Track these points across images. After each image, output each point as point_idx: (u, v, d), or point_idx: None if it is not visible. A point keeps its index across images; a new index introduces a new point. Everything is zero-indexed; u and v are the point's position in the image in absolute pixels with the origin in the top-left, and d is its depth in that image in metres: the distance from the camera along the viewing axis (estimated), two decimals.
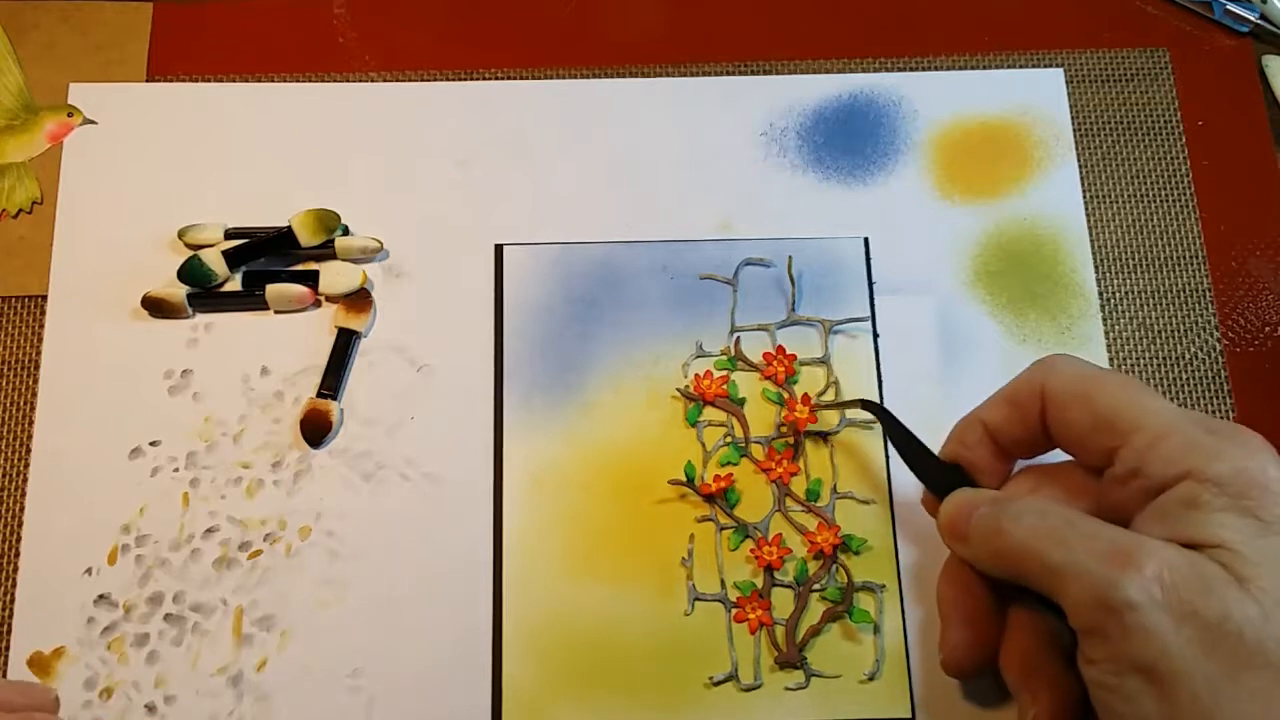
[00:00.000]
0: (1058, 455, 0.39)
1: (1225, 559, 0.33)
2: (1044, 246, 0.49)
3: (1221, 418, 0.47)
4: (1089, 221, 0.50)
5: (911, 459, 0.42)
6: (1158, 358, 0.48)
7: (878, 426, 0.46)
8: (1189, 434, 0.34)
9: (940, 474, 0.41)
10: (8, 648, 0.43)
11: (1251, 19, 0.52)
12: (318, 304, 0.47)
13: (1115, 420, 0.36)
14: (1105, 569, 0.33)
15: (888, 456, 0.45)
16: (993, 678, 0.40)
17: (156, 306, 0.47)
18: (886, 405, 0.46)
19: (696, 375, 0.46)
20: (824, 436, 0.46)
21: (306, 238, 0.47)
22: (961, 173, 0.50)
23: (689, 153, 0.50)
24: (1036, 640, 0.37)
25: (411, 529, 0.44)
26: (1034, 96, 0.51)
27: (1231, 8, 0.52)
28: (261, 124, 0.50)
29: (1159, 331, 0.48)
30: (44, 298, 0.47)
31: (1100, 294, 0.49)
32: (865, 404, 0.44)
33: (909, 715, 0.42)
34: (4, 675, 0.42)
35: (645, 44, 0.52)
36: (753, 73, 0.52)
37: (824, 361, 0.47)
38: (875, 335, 0.47)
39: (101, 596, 0.43)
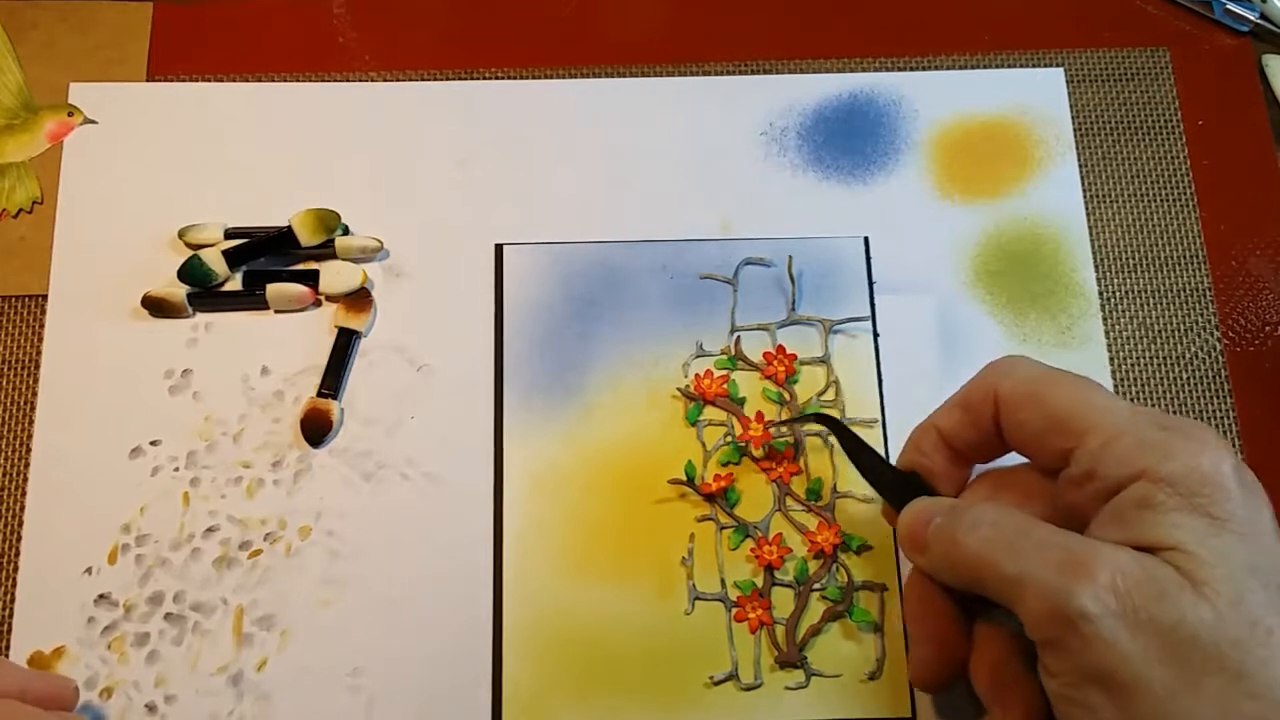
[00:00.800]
0: (1016, 458, 0.39)
1: (1179, 561, 0.32)
2: (1044, 246, 0.49)
3: (1222, 417, 0.47)
4: (1089, 221, 0.50)
5: (867, 470, 0.41)
6: (1158, 358, 0.48)
7: (878, 426, 0.46)
8: (1142, 433, 0.34)
9: (896, 483, 0.40)
10: (8, 647, 0.43)
11: (1251, 19, 0.52)
12: (318, 304, 0.47)
13: (1068, 421, 0.35)
14: (1059, 580, 0.33)
15: (887, 455, 0.45)
16: None
17: (156, 306, 0.47)
18: (886, 405, 0.46)
19: (697, 375, 0.46)
20: (824, 437, 0.46)
21: (306, 237, 0.47)
22: (961, 172, 0.50)
23: (689, 153, 0.50)
24: (1005, 651, 0.37)
25: (411, 529, 0.44)
26: (1034, 96, 0.51)
27: (1231, 8, 0.52)
28: (261, 124, 0.50)
29: (1159, 331, 0.48)
30: (44, 298, 0.47)
31: (1100, 294, 0.49)
32: (818, 418, 0.44)
33: (909, 715, 0.42)
34: None
35: (645, 44, 0.52)
36: (753, 73, 0.52)
37: (824, 361, 0.47)
38: (875, 335, 0.47)
39: (102, 596, 0.43)
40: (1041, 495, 0.38)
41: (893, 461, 0.43)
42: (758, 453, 0.45)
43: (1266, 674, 0.31)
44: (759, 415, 0.45)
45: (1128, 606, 0.32)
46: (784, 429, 0.45)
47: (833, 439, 0.46)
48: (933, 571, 0.38)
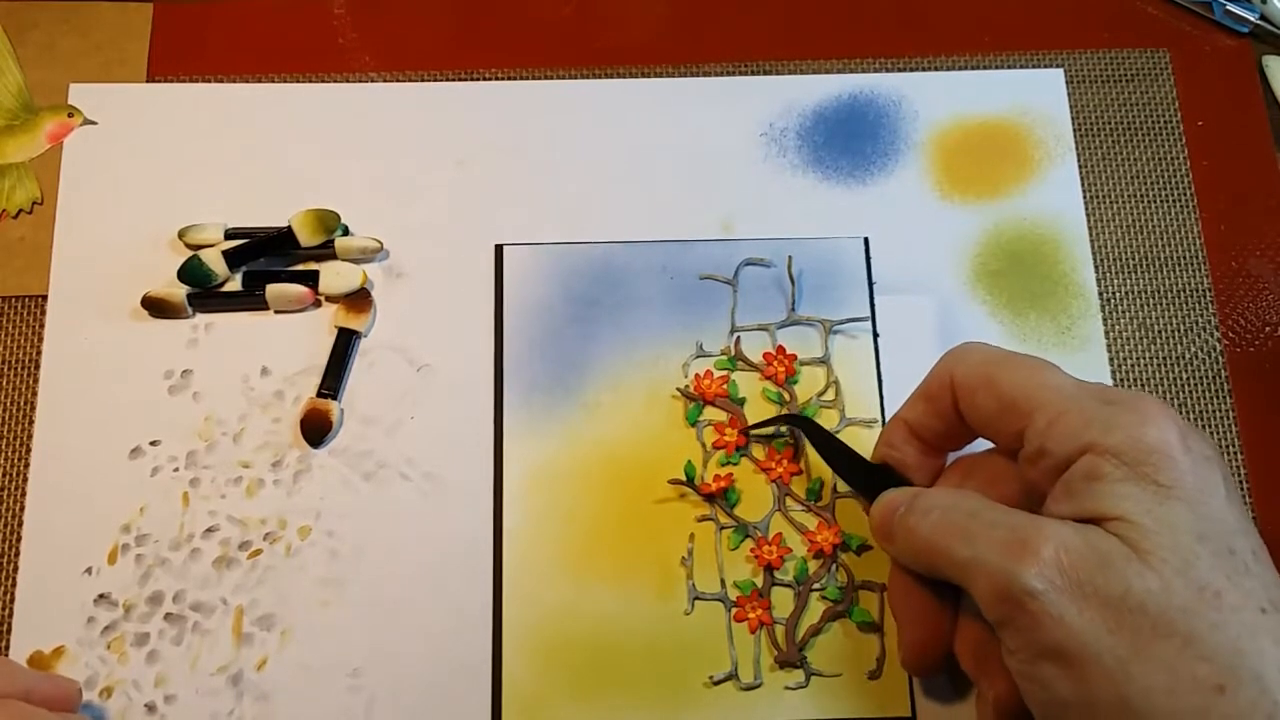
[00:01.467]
0: (987, 444, 0.40)
1: (1124, 531, 0.33)
2: (1044, 246, 0.49)
3: (1222, 418, 0.47)
4: (1089, 221, 0.50)
5: (842, 468, 0.42)
6: (1158, 358, 0.48)
7: (878, 426, 0.46)
8: (1086, 408, 0.35)
9: (871, 478, 0.41)
10: (8, 647, 0.43)
11: (1251, 19, 0.52)
12: (318, 304, 0.47)
13: (1018, 402, 0.36)
14: (1005, 561, 0.33)
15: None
16: None
17: (156, 306, 0.47)
18: (886, 405, 0.46)
19: (697, 375, 0.46)
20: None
21: (306, 238, 0.47)
22: (961, 173, 0.50)
23: (689, 153, 0.50)
24: (986, 629, 0.37)
25: (411, 529, 0.44)
26: (1034, 96, 0.51)
27: (1231, 8, 0.52)
28: (261, 124, 0.50)
29: (1159, 331, 0.48)
30: (44, 298, 0.47)
31: (1100, 294, 0.49)
32: (789, 418, 0.44)
33: (909, 715, 0.42)
34: None
35: (645, 44, 0.52)
36: (753, 73, 0.52)
37: (824, 361, 0.47)
38: (875, 335, 0.47)
39: (101, 596, 0.43)
40: (1009, 478, 0.38)
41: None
42: (759, 454, 0.46)
43: (1216, 637, 0.31)
44: (733, 420, 0.46)
45: (1072, 580, 0.32)
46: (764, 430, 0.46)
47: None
48: (900, 559, 0.39)
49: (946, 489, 0.39)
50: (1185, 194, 0.50)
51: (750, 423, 0.46)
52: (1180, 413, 0.47)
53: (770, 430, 0.45)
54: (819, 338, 0.47)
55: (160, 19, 0.52)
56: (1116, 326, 0.48)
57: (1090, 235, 0.49)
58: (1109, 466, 0.33)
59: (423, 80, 0.51)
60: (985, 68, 0.52)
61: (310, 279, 0.47)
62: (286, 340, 0.47)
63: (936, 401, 0.39)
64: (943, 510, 0.36)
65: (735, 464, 0.45)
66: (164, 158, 0.49)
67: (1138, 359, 0.48)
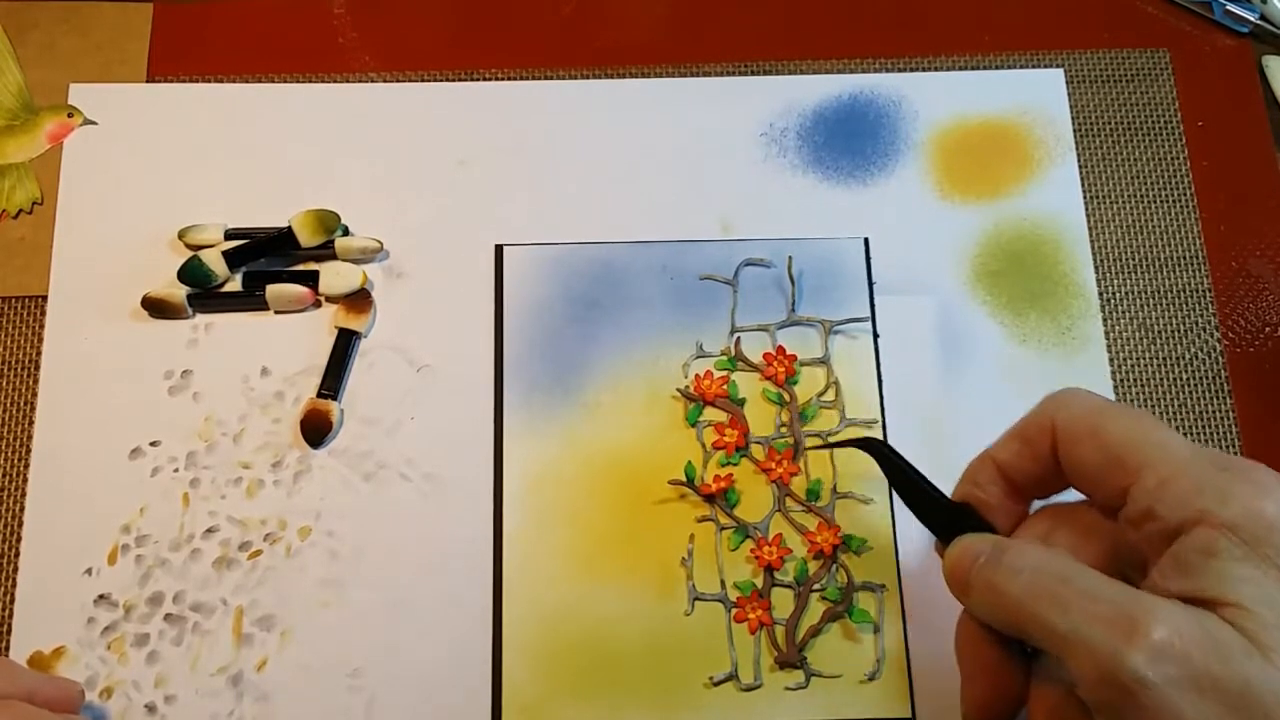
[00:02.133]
0: (1075, 494, 0.37)
1: (1240, 620, 0.30)
2: (1044, 246, 0.49)
3: (1222, 418, 0.47)
4: (1089, 221, 0.50)
5: (915, 501, 0.38)
6: (1158, 358, 0.48)
7: (878, 427, 0.46)
8: (1200, 473, 0.32)
9: (948, 517, 0.38)
10: (8, 648, 0.43)
11: (1251, 19, 0.52)
12: (318, 304, 0.47)
13: (1125, 456, 0.33)
14: (1110, 640, 0.30)
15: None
16: None
17: (156, 307, 0.47)
18: (886, 406, 0.46)
19: (697, 375, 0.46)
20: (823, 436, 0.46)
21: (306, 238, 0.47)
22: (961, 173, 0.50)
23: (689, 153, 0.50)
24: (1066, 694, 0.34)
25: (411, 529, 0.44)
26: (1034, 96, 0.51)
27: (1231, 8, 0.52)
28: (261, 124, 0.50)
29: (1159, 331, 0.48)
30: (44, 298, 0.47)
31: (1100, 294, 0.49)
32: (865, 442, 0.40)
33: (909, 715, 0.42)
34: None
35: (645, 45, 0.52)
36: (753, 73, 0.52)
37: (824, 362, 0.47)
38: (875, 335, 0.47)
39: (102, 596, 0.43)
40: (1100, 534, 0.36)
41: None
42: (759, 455, 0.46)
43: None
44: (733, 421, 0.45)
45: (1188, 672, 0.30)
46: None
47: (833, 439, 0.46)
48: (975, 612, 0.36)
49: (1033, 545, 0.36)
50: (1185, 194, 0.50)
51: (751, 427, 0.46)
52: (1180, 413, 0.47)
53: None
54: (819, 338, 0.47)
55: (160, 19, 0.52)
56: (1116, 326, 0.48)
57: (1090, 235, 0.49)
58: (1226, 543, 0.31)
59: (423, 80, 0.51)
60: (985, 68, 0.52)
61: (310, 279, 0.47)
62: (286, 341, 0.47)
63: (1033, 445, 0.36)
64: (1033, 572, 0.33)
65: (735, 464, 0.45)
66: (164, 158, 0.49)
67: (1138, 359, 0.48)
